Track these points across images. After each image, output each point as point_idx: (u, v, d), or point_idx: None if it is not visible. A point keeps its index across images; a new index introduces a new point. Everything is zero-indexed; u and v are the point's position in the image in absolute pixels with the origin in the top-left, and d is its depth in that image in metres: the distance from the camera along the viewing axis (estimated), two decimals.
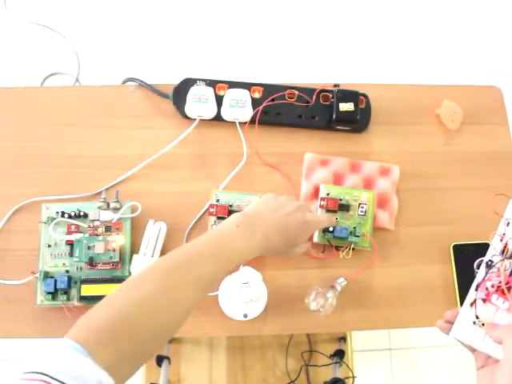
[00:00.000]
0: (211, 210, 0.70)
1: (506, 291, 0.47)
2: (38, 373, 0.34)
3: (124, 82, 0.80)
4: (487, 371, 0.46)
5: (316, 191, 0.74)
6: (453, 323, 0.49)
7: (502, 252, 0.48)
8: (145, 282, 0.47)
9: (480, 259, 0.49)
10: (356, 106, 0.75)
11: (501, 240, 0.49)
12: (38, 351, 0.39)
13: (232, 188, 0.73)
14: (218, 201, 0.71)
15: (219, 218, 0.70)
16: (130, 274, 0.67)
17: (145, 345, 0.44)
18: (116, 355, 0.40)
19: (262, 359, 0.99)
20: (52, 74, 1.63)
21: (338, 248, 0.71)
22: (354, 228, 0.71)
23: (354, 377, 0.95)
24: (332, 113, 0.76)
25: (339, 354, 0.96)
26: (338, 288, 0.69)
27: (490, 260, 0.48)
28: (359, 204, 0.71)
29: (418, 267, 0.73)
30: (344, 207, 0.71)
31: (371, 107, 0.79)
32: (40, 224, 0.69)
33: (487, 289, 0.48)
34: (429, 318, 0.70)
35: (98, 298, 0.64)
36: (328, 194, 0.72)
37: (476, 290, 0.48)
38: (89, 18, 1.69)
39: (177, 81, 0.78)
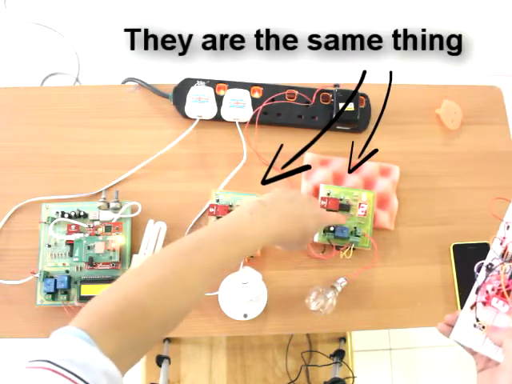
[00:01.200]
0: (211, 209, 0.70)
1: (506, 294, 0.47)
2: (43, 361, 0.34)
3: (124, 82, 0.80)
4: (488, 374, 0.46)
5: (316, 191, 0.74)
6: (453, 326, 0.49)
7: (502, 255, 0.49)
8: (153, 268, 0.46)
9: (480, 262, 0.49)
10: (356, 106, 0.76)
11: (501, 243, 0.49)
12: (44, 341, 0.39)
13: (232, 188, 0.73)
14: (218, 201, 0.71)
15: (219, 217, 0.70)
16: None
17: (152, 332, 0.43)
18: (122, 343, 0.40)
19: (262, 359, 0.99)
20: (52, 74, 1.63)
21: (338, 248, 0.71)
22: (355, 228, 0.71)
23: (354, 377, 0.95)
24: (332, 113, 0.76)
25: (339, 354, 0.96)
26: (339, 288, 0.69)
27: (490, 263, 0.49)
28: (359, 204, 0.71)
29: (418, 267, 0.73)
30: (344, 207, 0.71)
31: (371, 107, 0.79)
32: (40, 224, 0.69)
33: (487, 292, 0.48)
34: (429, 318, 0.71)
35: None
36: (328, 194, 0.72)
37: (476, 293, 0.49)
38: (89, 18, 1.69)
39: (177, 81, 0.78)
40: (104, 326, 0.39)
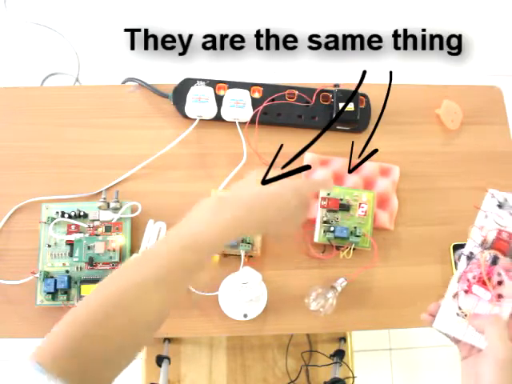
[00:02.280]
0: None
1: (486, 282, 0.47)
2: None
3: (124, 82, 0.80)
4: (471, 361, 0.47)
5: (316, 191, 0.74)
6: (436, 316, 0.50)
7: (482, 244, 0.49)
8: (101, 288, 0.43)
9: (460, 251, 0.50)
10: (356, 106, 0.76)
11: (480, 232, 0.50)
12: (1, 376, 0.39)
13: None
14: None
15: None
16: None
17: (99, 371, 0.40)
18: (79, 371, 0.38)
19: (262, 359, 0.99)
20: (52, 74, 1.63)
21: (338, 248, 0.71)
22: (355, 228, 0.71)
23: (354, 377, 0.95)
24: (332, 113, 0.76)
25: (339, 354, 0.96)
26: (339, 288, 0.69)
27: (470, 252, 0.50)
28: (359, 204, 0.71)
29: (418, 267, 0.73)
30: (344, 207, 0.71)
31: (371, 107, 0.79)
32: (40, 224, 0.69)
33: (468, 280, 0.49)
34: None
35: None
36: (328, 194, 0.72)
37: (458, 282, 0.49)
38: (89, 18, 1.69)
39: (177, 81, 0.78)
40: (57, 357, 0.38)
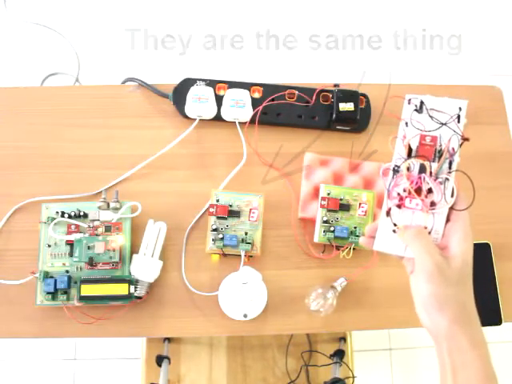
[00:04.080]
0: (211, 209, 0.70)
1: (412, 191, 0.46)
2: None
3: (124, 82, 0.80)
4: (413, 278, 0.46)
5: (316, 191, 0.74)
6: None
7: (407, 155, 0.47)
8: None
9: (384, 165, 0.48)
10: (356, 106, 0.76)
11: (403, 143, 0.47)
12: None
13: (232, 188, 0.73)
14: (217, 201, 0.71)
15: (219, 217, 0.70)
16: (129, 273, 0.67)
17: None
18: None
19: (262, 359, 0.99)
20: (52, 74, 1.63)
21: (338, 248, 0.71)
22: (355, 228, 0.71)
23: (354, 377, 0.95)
24: (332, 113, 0.76)
25: (339, 354, 0.96)
26: (339, 288, 0.69)
27: (396, 165, 0.47)
28: (359, 204, 0.71)
29: None
30: (344, 207, 0.71)
31: (371, 107, 0.79)
32: (40, 224, 0.69)
33: (399, 194, 0.47)
34: None
35: (98, 297, 0.64)
36: (329, 194, 0.72)
37: (388, 198, 0.47)
38: (89, 18, 1.69)
39: (177, 81, 0.78)
40: None
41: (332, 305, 0.67)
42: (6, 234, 0.71)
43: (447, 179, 0.47)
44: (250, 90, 0.77)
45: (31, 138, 0.76)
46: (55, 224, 0.68)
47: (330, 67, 1.70)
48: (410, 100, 0.48)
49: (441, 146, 0.48)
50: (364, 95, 0.79)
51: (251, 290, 0.65)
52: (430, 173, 0.46)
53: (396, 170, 0.47)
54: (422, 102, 0.48)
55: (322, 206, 0.71)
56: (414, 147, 0.47)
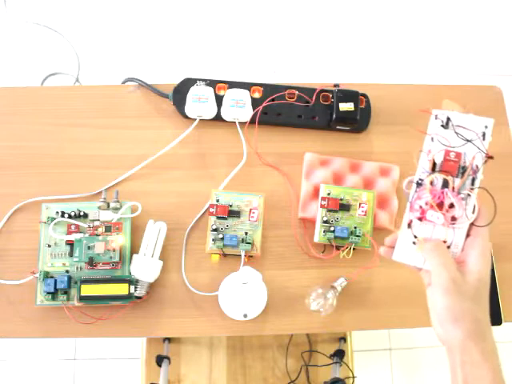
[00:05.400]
0: (211, 209, 0.70)
1: (433, 205, 0.46)
2: None
3: (124, 82, 0.80)
4: (429, 290, 0.47)
5: (316, 191, 0.74)
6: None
7: (431, 169, 0.48)
8: None
9: (409, 178, 0.48)
10: (356, 106, 0.76)
11: (427, 157, 0.48)
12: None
13: (232, 188, 0.73)
14: (218, 201, 0.71)
15: (219, 217, 0.70)
16: (130, 273, 0.67)
17: None
18: None
19: (262, 359, 0.99)
20: (52, 74, 1.63)
21: (338, 248, 0.71)
22: (355, 228, 0.71)
23: (354, 377, 0.95)
24: (332, 113, 0.76)
25: (339, 354, 0.96)
26: (339, 288, 0.69)
27: (420, 179, 0.48)
28: (359, 204, 0.71)
29: None
30: (344, 207, 0.71)
31: (371, 107, 0.79)
32: (40, 224, 0.69)
33: (421, 207, 0.47)
34: (429, 318, 0.71)
35: (98, 298, 0.64)
36: (329, 194, 0.72)
37: (410, 210, 0.48)
38: (89, 18, 1.69)
39: (177, 81, 0.78)
40: None
41: (332, 305, 0.67)
42: (6, 234, 0.71)
43: (469, 195, 0.48)
44: (250, 90, 0.77)
45: (31, 137, 0.76)
46: (55, 224, 0.68)
47: (330, 67, 1.70)
48: (436, 115, 0.49)
49: (465, 162, 0.48)
50: (364, 95, 0.79)
51: (251, 289, 0.65)
52: (453, 188, 0.47)
53: (419, 184, 0.48)
54: (448, 118, 0.49)
55: (322, 206, 0.71)
56: (438, 162, 0.48)
